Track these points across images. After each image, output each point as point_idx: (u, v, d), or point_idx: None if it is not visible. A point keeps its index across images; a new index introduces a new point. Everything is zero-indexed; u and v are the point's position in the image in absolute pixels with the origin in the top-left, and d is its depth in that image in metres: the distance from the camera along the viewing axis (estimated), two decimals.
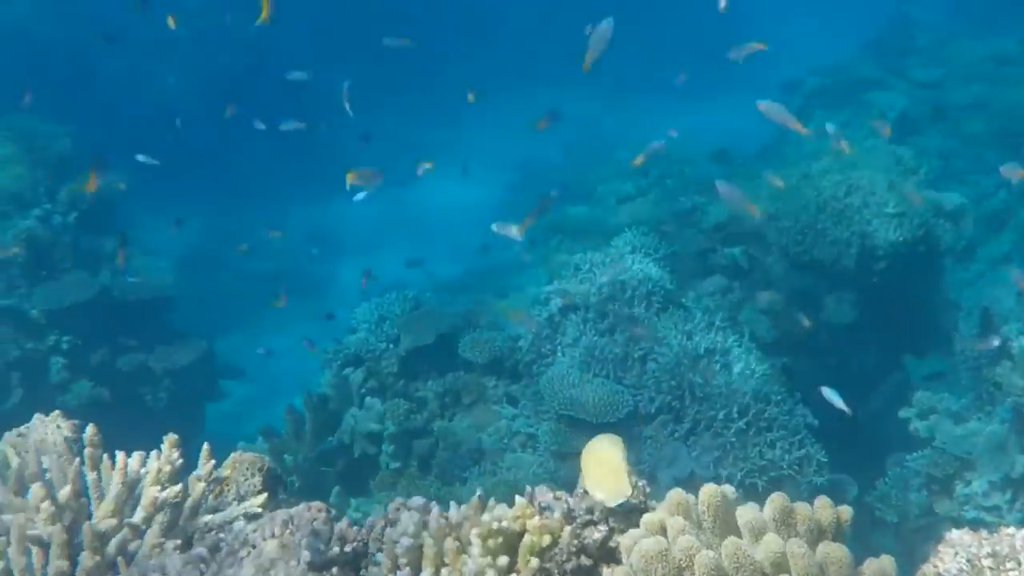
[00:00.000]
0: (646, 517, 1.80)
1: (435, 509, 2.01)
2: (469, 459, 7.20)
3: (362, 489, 7.20)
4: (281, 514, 2.02)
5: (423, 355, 7.67)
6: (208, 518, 2.30)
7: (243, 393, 11.51)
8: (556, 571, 1.91)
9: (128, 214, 10.98)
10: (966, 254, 10.08)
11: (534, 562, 1.89)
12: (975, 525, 6.54)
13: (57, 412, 2.90)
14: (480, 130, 16.00)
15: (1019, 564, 1.65)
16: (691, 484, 6.08)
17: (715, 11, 7.03)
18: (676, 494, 1.80)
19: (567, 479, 6.77)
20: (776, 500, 1.73)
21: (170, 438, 2.42)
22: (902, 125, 11.64)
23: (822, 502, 1.77)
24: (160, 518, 2.21)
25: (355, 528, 2.01)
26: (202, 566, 1.94)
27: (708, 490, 1.78)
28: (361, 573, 1.94)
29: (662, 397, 6.93)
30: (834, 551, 1.62)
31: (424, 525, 1.96)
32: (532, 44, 17.52)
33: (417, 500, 2.05)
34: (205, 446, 2.54)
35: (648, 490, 2.09)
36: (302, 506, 2.07)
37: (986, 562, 1.69)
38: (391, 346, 7.72)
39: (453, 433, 7.30)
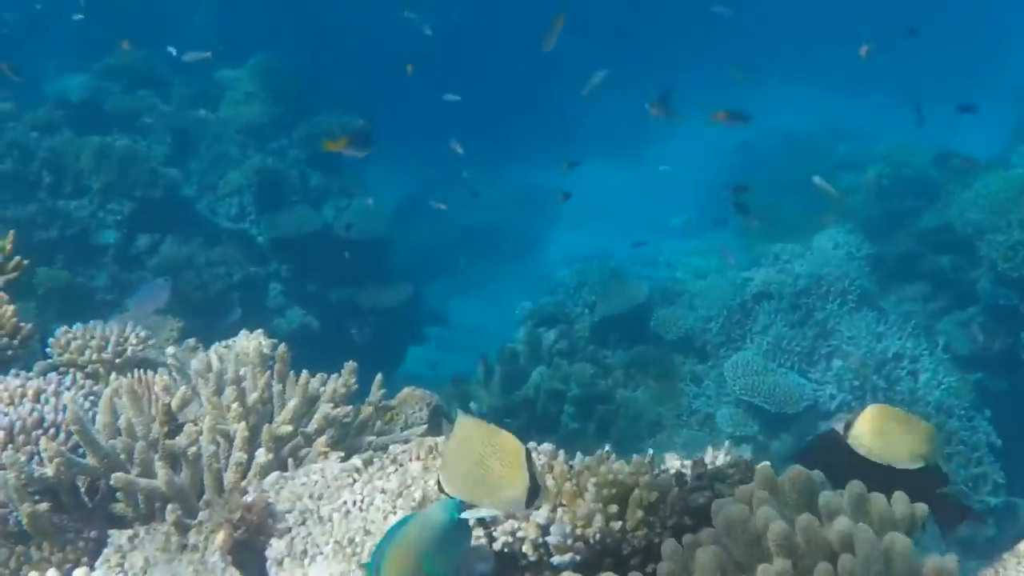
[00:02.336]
0: (739, 488, 1.97)
1: (561, 455, 2.23)
2: (647, 430, 7.38)
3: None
4: (428, 441, 2.28)
5: (615, 324, 7.88)
6: (371, 438, 2.59)
7: (444, 340, 11.92)
8: (659, 525, 2.11)
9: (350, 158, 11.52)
10: None
11: (639, 513, 2.09)
12: None
13: (260, 331, 3.22)
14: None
15: None
16: None
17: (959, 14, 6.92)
18: (765, 469, 1.96)
19: None
20: (853, 487, 1.87)
21: (349, 365, 2.72)
22: None
23: (899, 496, 1.90)
24: (331, 432, 2.51)
25: None
26: (355, 474, 2.22)
27: (795, 470, 1.94)
28: None
29: (843, 395, 6.96)
30: (899, 541, 1.76)
31: (549, 468, 2.18)
32: (786, 32, 17.29)
33: (547, 446, 2.28)
34: (377, 377, 2.82)
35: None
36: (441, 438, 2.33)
37: None
38: (586, 311, 7.97)
39: (635, 403, 7.49)
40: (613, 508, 2.12)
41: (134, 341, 3.45)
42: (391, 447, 2.32)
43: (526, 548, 2.11)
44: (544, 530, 2.11)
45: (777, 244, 8.08)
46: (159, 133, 9.39)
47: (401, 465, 2.22)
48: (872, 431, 2.10)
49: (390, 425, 2.86)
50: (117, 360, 3.37)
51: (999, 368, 7.92)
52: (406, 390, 3.10)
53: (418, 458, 2.21)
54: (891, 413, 2.10)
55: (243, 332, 3.17)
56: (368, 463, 2.25)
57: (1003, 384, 7.89)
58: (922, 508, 1.93)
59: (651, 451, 2.26)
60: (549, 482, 2.14)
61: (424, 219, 13.73)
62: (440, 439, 2.30)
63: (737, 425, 7.01)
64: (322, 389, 2.59)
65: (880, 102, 14.88)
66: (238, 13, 13.95)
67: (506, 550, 2.12)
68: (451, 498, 1.92)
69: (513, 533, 2.12)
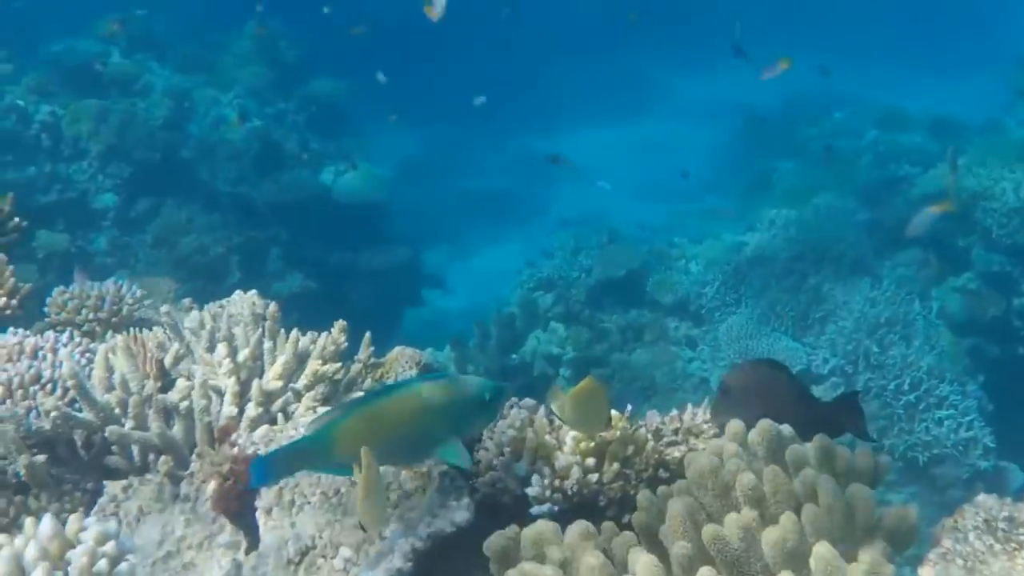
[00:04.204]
0: (711, 442, 2.04)
1: (542, 410, 2.30)
2: (641, 394, 7.45)
3: None
4: None
5: (612, 288, 7.95)
6: (360, 395, 2.66)
7: (444, 304, 11.99)
8: (635, 478, 2.18)
9: (356, 119, 11.55)
10: None
11: (615, 467, 2.16)
12: None
13: (254, 291, 3.27)
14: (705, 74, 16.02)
15: None
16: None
17: None
18: (735, 424, 2.02)
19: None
20: (818, 440, 1.94)
21: (339, 324, 2.77)
22: None
23: (863, 449, 1.97)
24: (321, 388, 2.58)
25: None
26: None
27: (764, 424, 2.00)
28: (474, 455, 2.25)
29: (836, 360, 7.03)
30: (861, 491, 1.83)
31: (530, 423, 2.25)
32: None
33: (529, 401, 2.34)
34: (366, 335, 2.88)
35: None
36: None
37: (1002, 524, 1.87)
38: (583, 275, 8.02)
39: (630, 367, 7.56)
40: (591, 461, 2.18)
41: (130, 301, 3.53)
42: None
43: (506, 499, 2.19)
44: (523, 482, 2.18)
45: (772, 209, 8.13)
46: (157, 97, 9.42)
47: None
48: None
49: (379, 382, 2.92)
50: (113, 319, 3.44)
51: (992, 334, 7.99)
52: (396, 349, 3.16)
53: None
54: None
55: (237, 292, 3.22)
56: None
57: (996, 350, 7.96)
58: (886, 460, 1.99)
59: (629, 407, 2.32)
60: (529, 435, 2.21)
61: (426, 184, 13.78)
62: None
63: None
64: (312, 346, 2.65)
65: (880, 68, 14.91)
66: None
67: (487, 501, 2.19)
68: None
69: (494, 484, 2.19)
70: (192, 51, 10.50)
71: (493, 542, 1.88)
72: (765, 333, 7.19)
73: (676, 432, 2.31)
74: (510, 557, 1.88)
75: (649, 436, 2.27)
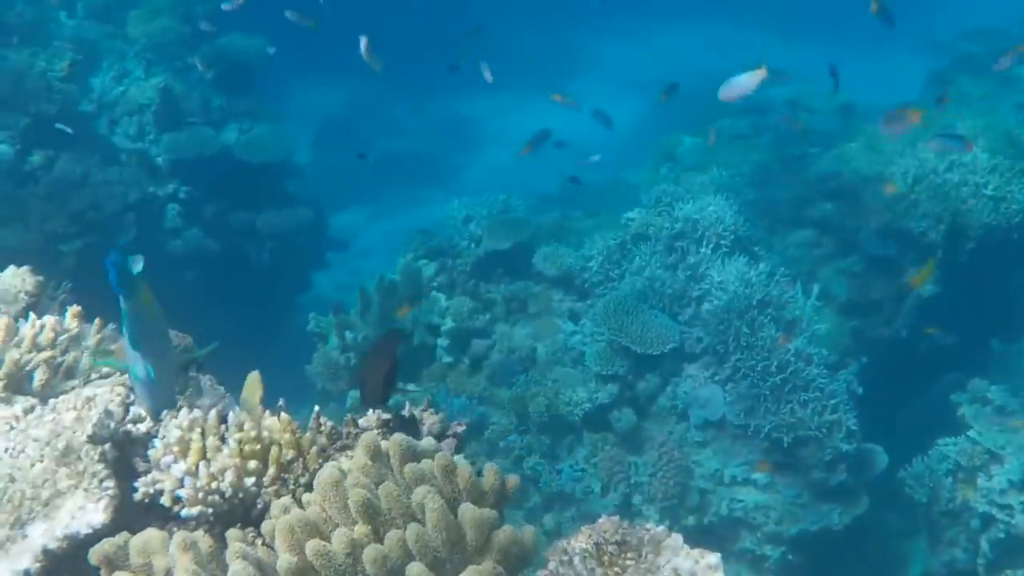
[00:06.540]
0: (355, 453, 2.03)
1: (213, 412, 2.28)
2: (520, 365, 7.47)
3: (414, 377, 7.54)
4: (87, 391, 2.33)
5: (500, 259, 7.93)
6: (74, 383, 2.63)
7: (359, 265, 11.95)
8: (292, 483, 2.18)
9: (275, 76, 11.43)
10: None
11: (272, 470, 2.16)
12: (986, 519, 6.56)
13: (27, 268, 3.22)
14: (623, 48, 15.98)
15: (639, 556, 1.83)
16: (720, 428, 6.25)
17: None
18: (369, 437, 2.01)
19: (602, 401, 7.02)
20: (440, 459, 1.93)
21: (73, 309, 2.74)
22: None
23: (489, 469, 1.97)
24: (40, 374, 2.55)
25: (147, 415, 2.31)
26: (14, 421, 2.27)
27: (397, 438, 2.00)
28: (148, 453, 2.24)
29: (709, 339, 7.06)
30: (470, 510, 1.83)
31: (201, 422, 2.24)
32: None
33: (206, 401, 2.34)
34: (96, 321, 2.82)
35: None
36: (106, 387, 2.38)
37: (611, 548, 1.88)
38: (472, 245, 7.99)
39: (511, 338, 7.57)
40: (252, 463, 2.18)
41: None
42: (51, 399, 2.36)
43: (165, 499, 2.18)
44: (181, 482, 2.17)
45: (660, 185, 8.12)
46: (60, 48, 9.27)
47: (58, 414, 2.27)
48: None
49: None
50: None
51: (876, 316, 8.06)
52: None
53: (74, 408, 2.26)
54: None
55: (11, 268, 3.18)
56: (28, 411, 2.29)
57: (880, 332, 8.03)
58: (514, 480, 2.00)
59: (317, 408, 2.31)
60: (194, 436, 2.20)
61: (346, 144, 13.69)
62: (102, 389, 2.36)
63: (605, 364, 7.11)
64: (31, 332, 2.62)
65: (802, 46, 14.88)
66: None
67: (145, 500, 2.18)
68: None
69: (153, 484, 2.18)
70: (102, 2, 10.32)
71: (98, 549, 1.88)
72: (642, 310, 7.20)
73: (348, 436, 2.30)
74: (115, 564, 1.88)
75: (323, 438, 2.26)
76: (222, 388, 2.90)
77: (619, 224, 7.93)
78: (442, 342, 7.56)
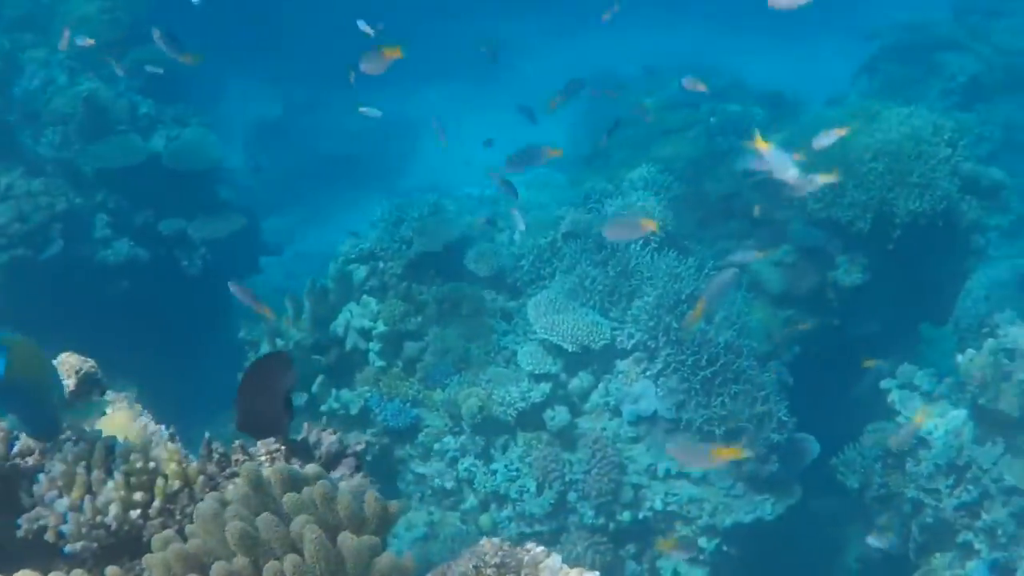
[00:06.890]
0: (237, 483, 2.02)
1: (99, 444, 2.26)
2: (453, 367, 7.46)
3: (348, 382, 7.52)
4: None
5: (431, 261, 7.91)
6: None
7: (292, 270, 11.88)
8: (178, 513, 2.17)
9: (210, 79, 11.34)
10: (1015, 231, 9.90)
11: (157, 502, 2.15)
12: (916, 504, 6.65)
13: None
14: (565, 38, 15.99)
15: None
16: (653, 423, 6.28)
17: None
18: (250, 467, 2.00)
19: (535, 400, 7.03)
20: (319, 487, 1.93)
21: None
22: (971, 91, 11.31)
23: (370, 496, 1.97)
24: None
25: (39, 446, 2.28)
26: None
27: (278, 467, 1.99)
28: (34, 488, 2.21)
29: (640, 335, 7.09)
30: (348, 540, 1.83)
31: (87, 455, 2.22)
32: None
33: (91, 434, 2.31)
34: None
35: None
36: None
37: (490, 571, 1.89)
38: (403, 247, 7.96)
39: (443, 340, 7.56)
40: (139, 495, 2.16)
41: None
42: None
43: (48, 536, 2.15)
44: (64, 518, 2.15)
45: (589, 182, 8.15)
46: None
47: None
48: None
49: None
50: None
51: (808, 306, 8.13)
52: (63, 356, 3.07)
53: None
54: None
55: None
56: None
57: (812, 321, 8.11)
58: (395, 505, 1.99)
59: (208, 434, 2.30)
60: (79, 469, 2.18)
61: (282, 147, 13.62)
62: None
63: (537, 363, 7.13)
64: None
65: (747, 40, 15.00)
66: None
67: (30, 537, 2.16)
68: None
69: (37, 519, 2.16)
70: (25, 9, 10.19)
71: None
72: (573, 308, 7.23)
73: (238, 463, 2.29)
74: None
75: (213, 466, 2.25)
76: (139, 406, 2.88)
77: (549, 222, 7.95)
78: (374, 346, 7.54)
